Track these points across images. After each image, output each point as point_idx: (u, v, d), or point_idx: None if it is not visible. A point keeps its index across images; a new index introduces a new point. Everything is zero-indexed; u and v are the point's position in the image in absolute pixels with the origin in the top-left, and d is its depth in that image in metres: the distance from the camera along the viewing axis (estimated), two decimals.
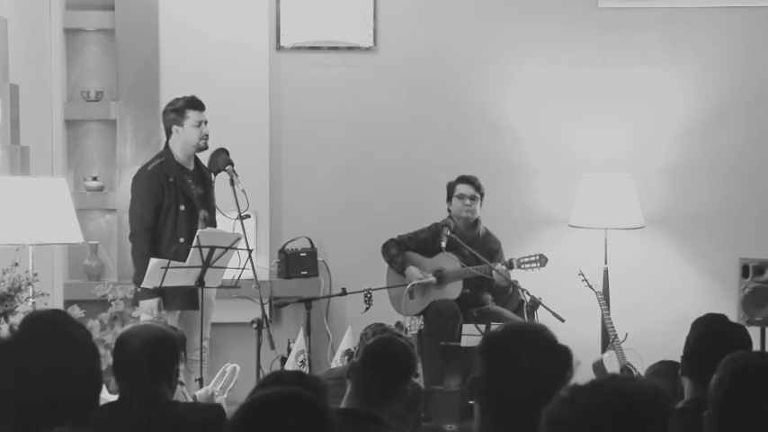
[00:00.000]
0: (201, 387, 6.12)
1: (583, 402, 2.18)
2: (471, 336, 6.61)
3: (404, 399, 4.07)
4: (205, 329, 6.54)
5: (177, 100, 6.64)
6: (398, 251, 7.43)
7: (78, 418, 2.43)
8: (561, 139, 8.13)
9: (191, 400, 5.41)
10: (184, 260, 6.25)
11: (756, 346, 6.42)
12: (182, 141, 6.60)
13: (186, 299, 6.46)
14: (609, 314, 7.46)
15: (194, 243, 6.24)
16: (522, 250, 7.47)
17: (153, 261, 6.23)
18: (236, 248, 6.34)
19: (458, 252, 7.33)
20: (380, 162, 8.14)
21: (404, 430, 4.84)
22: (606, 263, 7.80)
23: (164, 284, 6.21)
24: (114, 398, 4.03)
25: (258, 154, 7.93)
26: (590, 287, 7.50)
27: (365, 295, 6.84)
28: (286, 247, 7.93)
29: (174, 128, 6.60)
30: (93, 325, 7.31)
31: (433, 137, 8.15)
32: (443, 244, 7.23)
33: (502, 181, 8.02)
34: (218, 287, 6.51)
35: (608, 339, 7.41)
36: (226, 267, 6.37)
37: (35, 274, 6.13)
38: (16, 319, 5.72)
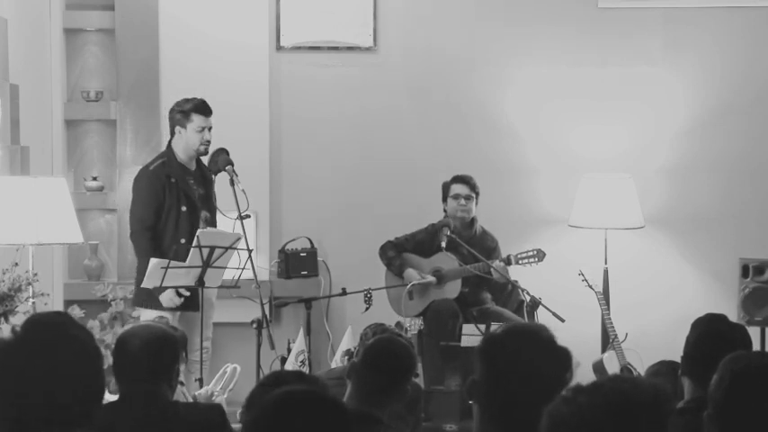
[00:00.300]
0: (202, 387, 6.12)
1: (583, 402, 2.18)
2: (471, 336, 6.61)
3: (404, 399, 4.08)
4: (207, 330, 6.55)
5: (186, 101, 6.61)
6: (396, 254, 7.42)
7: (80, 419, 2.43)
8: (561, 139, 8.13)
9: (191, 400, 5.42)
10: (185, 260, 6.26)
11: (756, 346, 6.41)
12: (183, 143, 6.60)
13: (186, 300, 6.46)
14: (609, 314, 7.45)
15: (194, 243, 6.24)
16: (522, 250, 7.46)
17: (153, 261, 6.23)
18: (236, 248, 6.34)
19: (456, 252, 7.32)
20: (380, 162, 8.14)
21: (404, 430, 4.84)
22: (606, 263, 7.80)
23: (164, 284, 6.21)
24: (114, 398, 4.03)
25: (258, 154, 7.93)
26: (590, 287, 7.50)
27: (365, 295, 6.84)
28: (286, 247, 7.93)
29: (178, 129, 6.59)
30: (93, 325, 7.31)
31: (433, 137, 8.15)
32: (443, 244, 7.22)
33: (502, 181, 8.02)
34: (219, 287, 6.51)
35: (608, 339, 7.41)
36: (226, 267, 6.37)
37: (35, 274, 6.13)
38: (16, 320, 5.73)
